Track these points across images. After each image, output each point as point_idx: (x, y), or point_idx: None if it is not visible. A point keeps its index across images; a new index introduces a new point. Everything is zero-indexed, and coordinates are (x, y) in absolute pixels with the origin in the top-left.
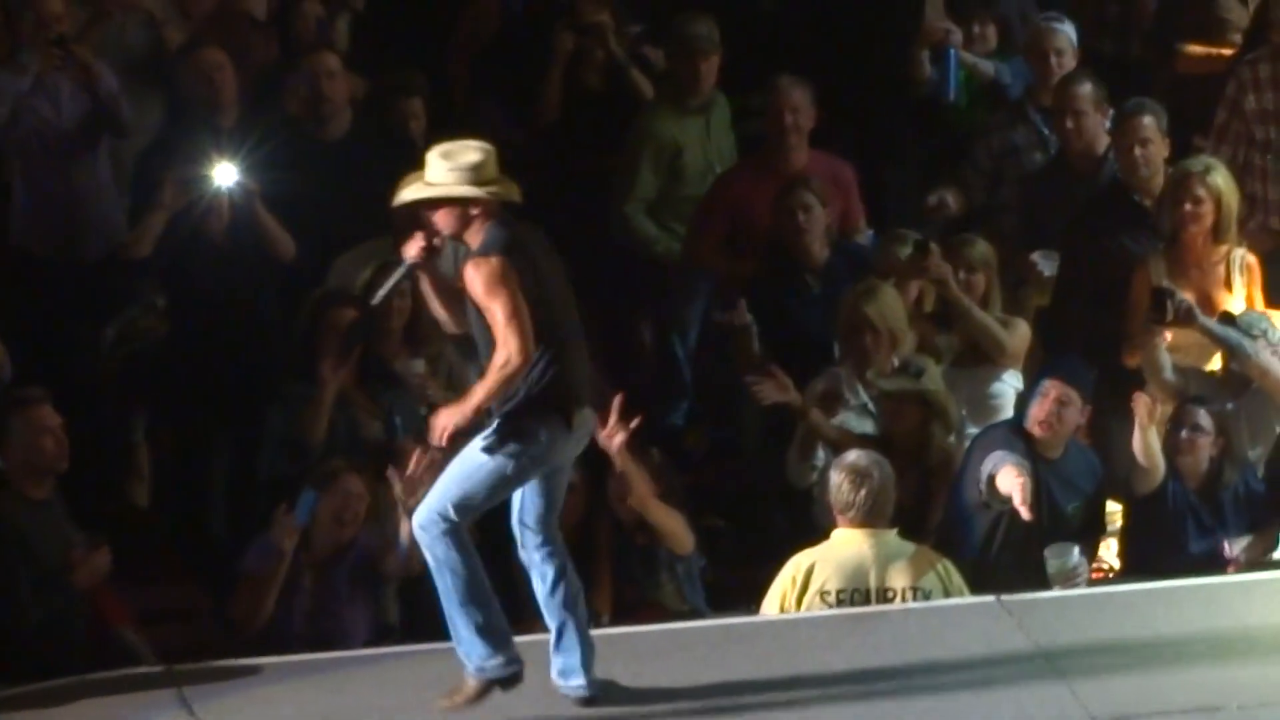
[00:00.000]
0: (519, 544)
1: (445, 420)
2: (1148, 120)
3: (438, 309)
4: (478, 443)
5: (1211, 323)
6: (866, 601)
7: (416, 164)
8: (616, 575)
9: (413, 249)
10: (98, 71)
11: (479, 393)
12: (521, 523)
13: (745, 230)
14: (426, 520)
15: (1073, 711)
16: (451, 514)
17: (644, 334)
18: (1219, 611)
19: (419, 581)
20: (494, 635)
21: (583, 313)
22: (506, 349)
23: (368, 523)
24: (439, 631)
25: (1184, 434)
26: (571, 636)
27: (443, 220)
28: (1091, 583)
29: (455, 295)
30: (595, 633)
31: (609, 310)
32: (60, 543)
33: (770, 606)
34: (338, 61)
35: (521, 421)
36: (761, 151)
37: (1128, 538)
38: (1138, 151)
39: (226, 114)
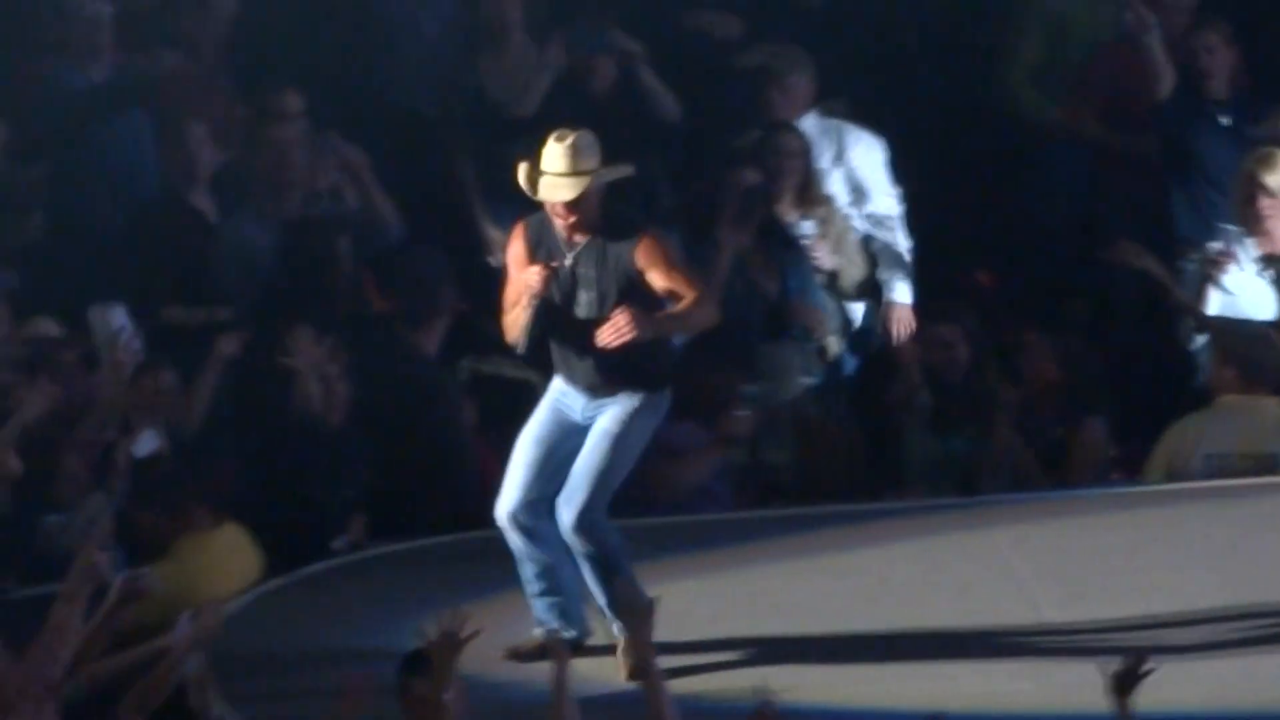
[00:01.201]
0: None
1: (634, 321)
2: None
3: (525, 324)
4: (620, 425)
5: None
6: (1249, 469)
7: None
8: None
9: (538, 279)
10: None
11: (677, 316)
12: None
13: (1124, 101)
14: (588, 520)
15: None
16: (603, 503)
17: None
18: None
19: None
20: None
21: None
22: (712, 301)
23: None
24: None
25: None
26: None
27: (590, 207)
28: None
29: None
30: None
31: (981, 179)
32: (442, 396)
33: (1154, 473)
34: None
35: (662, 398)
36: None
37: None
38: None
39: None
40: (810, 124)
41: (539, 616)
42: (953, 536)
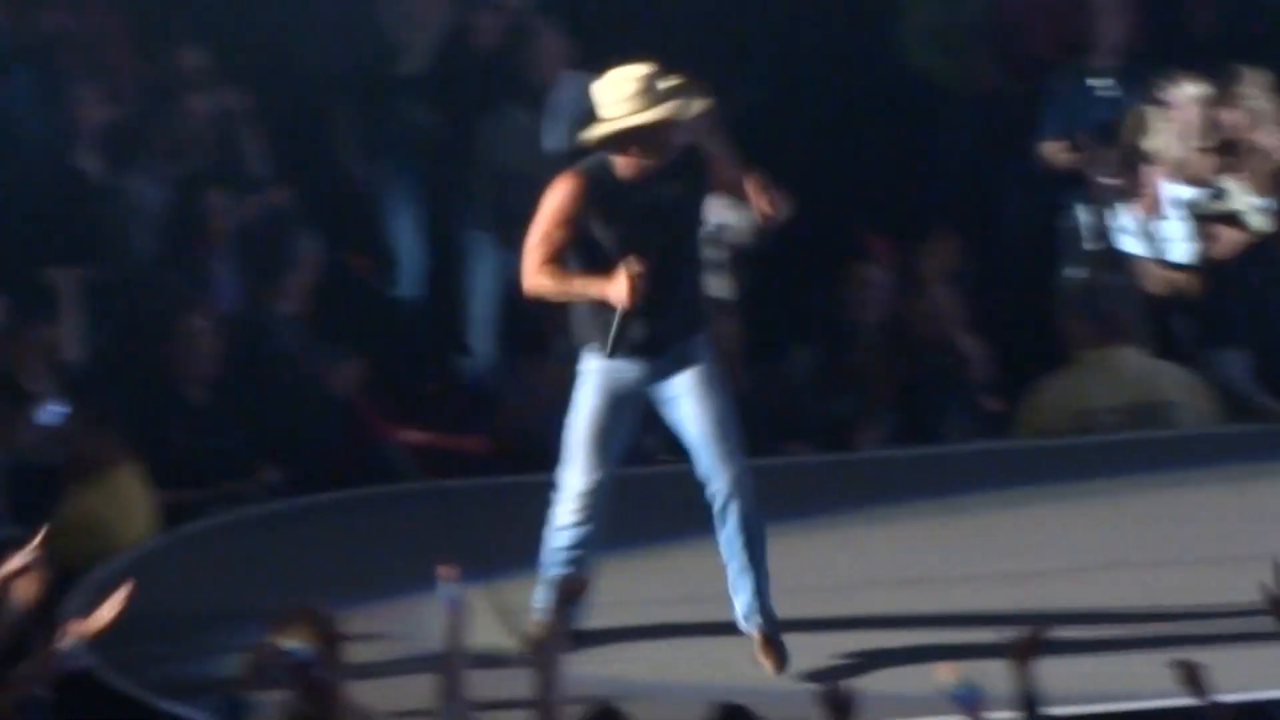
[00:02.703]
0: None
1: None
2: None
3: (615, 335)
4: (717, 372)
5: None
6: (1116, 424)
7: None
8: None
9: (627, 289)
10: None
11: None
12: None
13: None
14: (750, 475)
15: None
16: None
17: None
18: None
19: None
20: None
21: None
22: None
23: None
24: None
25: None
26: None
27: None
28: None
29: None
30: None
31: (874, 142)
32: (315, 355)
33: (1024, 433)
34: None
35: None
36: None
37: None
38: None
39: None
40: (572, 81)
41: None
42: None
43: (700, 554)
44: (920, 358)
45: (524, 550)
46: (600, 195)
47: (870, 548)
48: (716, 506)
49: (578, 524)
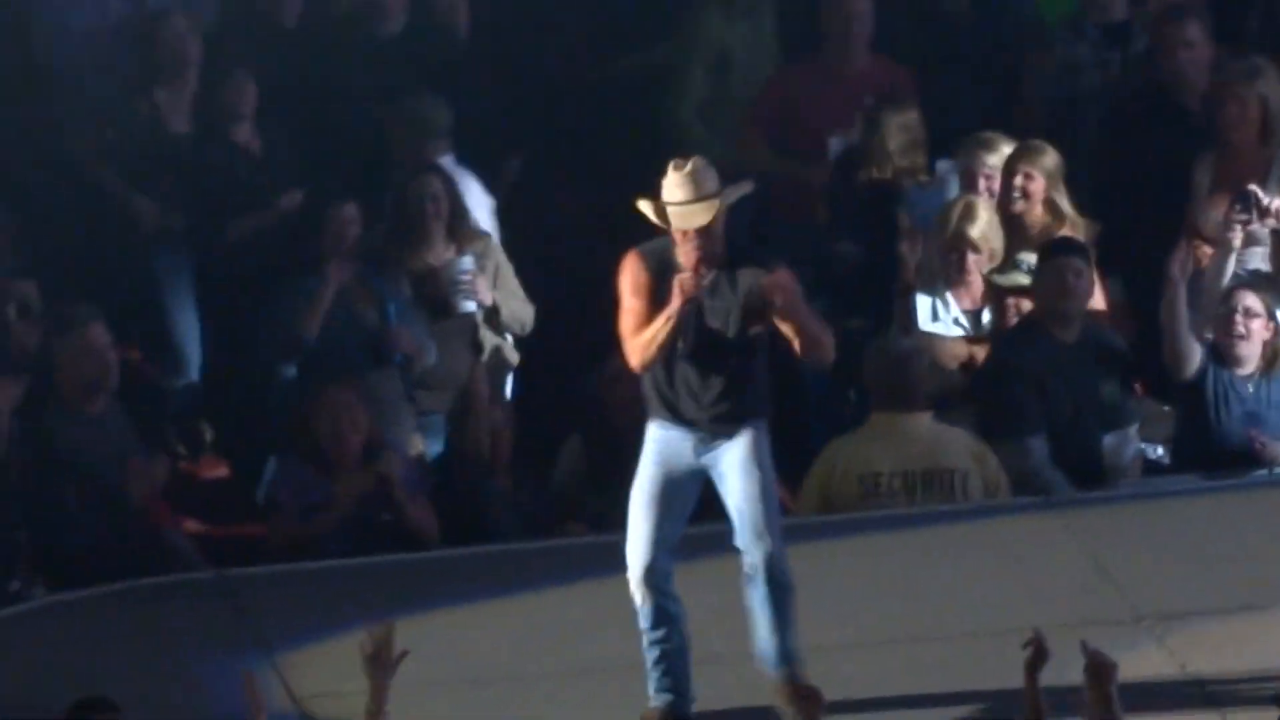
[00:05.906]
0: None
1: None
2: (1192, 24)
3: (666, 336)
4: (760, 455)
5: None
6: (900, 488)
7: None
8: None
9: (691, 282)
10: None
11: (815, 326)
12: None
13: (797, 133)
14: (782, 554)
15: (1119, 611)
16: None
17: None
18: (1263, 510)
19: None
20: None
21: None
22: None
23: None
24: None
25: (1237, 318)
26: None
27: (720, 233)
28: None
29: None
30: None
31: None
32: (117, 455)
33: (809, 498)
34: None
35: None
36: (819, 53)
37: (1174, 430)
38: (1182, 55)
39: None
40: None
41: (660, 689)
42: None
43: None
44: None
45: (308, 632)
46: (658, 273)
47: None
48: (748, 574)
49: (653, 602)
